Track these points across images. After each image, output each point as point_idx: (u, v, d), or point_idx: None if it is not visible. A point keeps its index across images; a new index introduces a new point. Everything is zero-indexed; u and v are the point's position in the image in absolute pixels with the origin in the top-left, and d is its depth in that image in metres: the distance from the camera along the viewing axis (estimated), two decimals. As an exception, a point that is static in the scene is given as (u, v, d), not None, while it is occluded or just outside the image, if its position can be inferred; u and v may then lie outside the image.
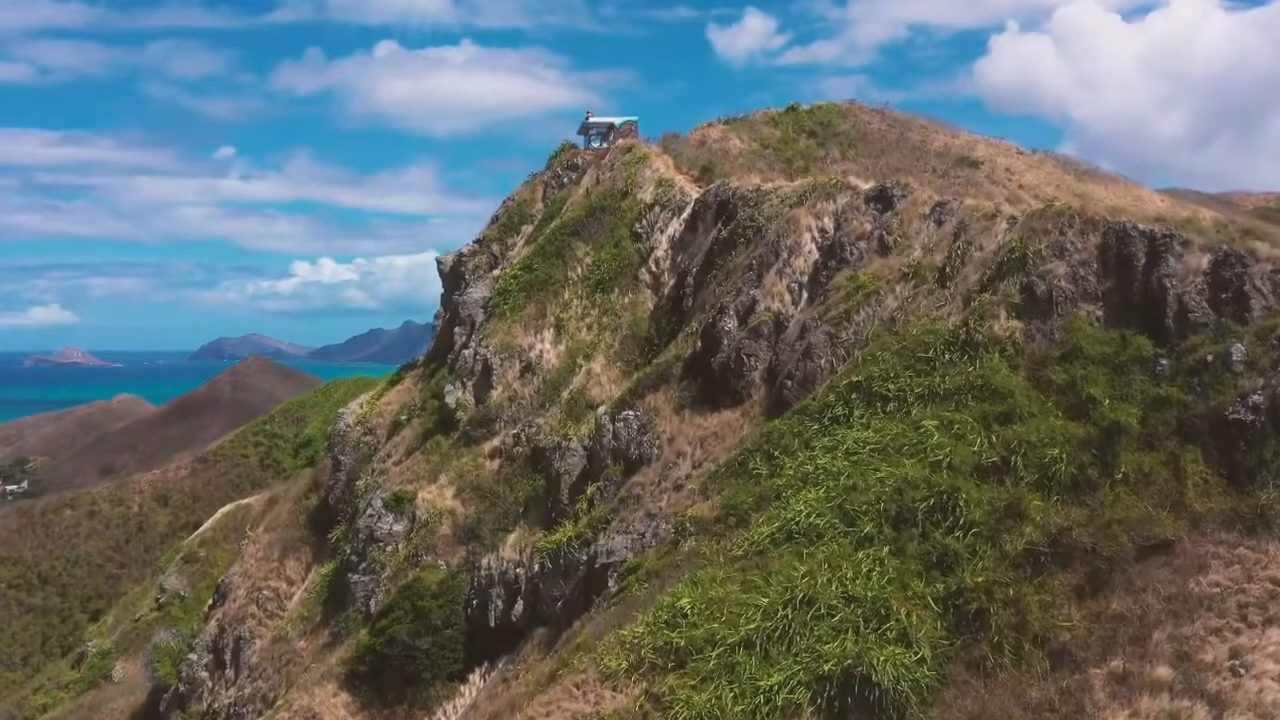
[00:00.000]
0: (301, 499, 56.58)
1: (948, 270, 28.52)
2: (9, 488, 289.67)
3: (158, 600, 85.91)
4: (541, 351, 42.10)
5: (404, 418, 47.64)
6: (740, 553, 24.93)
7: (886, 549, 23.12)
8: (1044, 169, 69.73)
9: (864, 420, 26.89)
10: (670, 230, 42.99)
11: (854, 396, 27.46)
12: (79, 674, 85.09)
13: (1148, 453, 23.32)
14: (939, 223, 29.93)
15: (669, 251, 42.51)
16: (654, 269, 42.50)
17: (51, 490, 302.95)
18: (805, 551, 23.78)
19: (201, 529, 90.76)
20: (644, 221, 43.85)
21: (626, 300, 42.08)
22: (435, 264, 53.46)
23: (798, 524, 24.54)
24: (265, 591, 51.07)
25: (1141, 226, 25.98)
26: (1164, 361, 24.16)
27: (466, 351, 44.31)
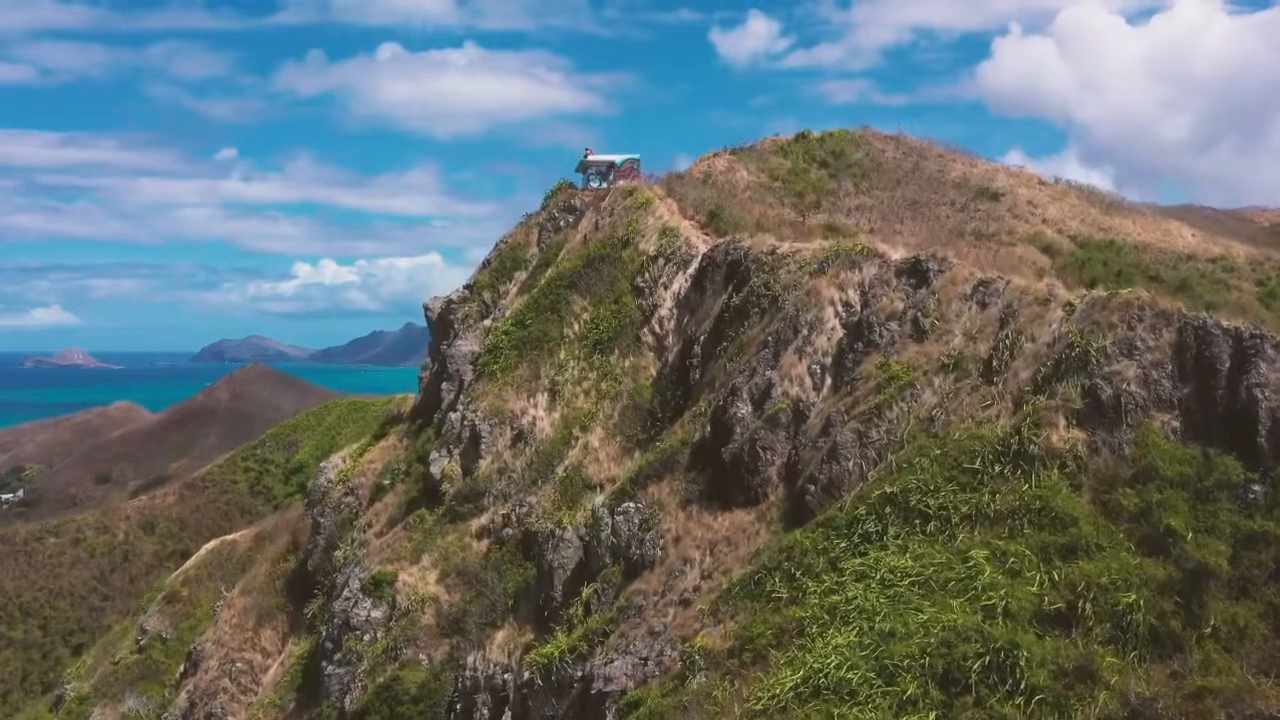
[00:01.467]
0: (279, 560, 53.08)
1: (994, 363, 24.97)
2: (4, 497, 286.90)
3: (138, 642, 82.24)
4: (534, 419, 38.56)
5: (386, 481, 44.13)
6: (759, 706, 21.41)
7: (934, 716, 19.61)
8: (1067, 201, 66.22)
9: (900, 541, 23.35)
10: (675, 286, 39.43)
11: (888, 511, 23.92)
12: (56, 718, 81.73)
13: (1241, 602, 19.81)
14: (982, 305, 26.38)
15: (674, 310, 38.95)
16: (658, 329, 38.92)
17: (47, 499, 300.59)
18: (836, 713, 20.27)
19: (185, 566, 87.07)
20: (646, 275, 40.28)
21: (627, 364, 38.51)
22: (423, 311, 49.94)
23: (826, 676, 20.99)
24: (239, 664, 47.59)
25: (1225, 324, 22.41)
26: (1256, 489, 20.63)
27: (454, 415, 40.80)
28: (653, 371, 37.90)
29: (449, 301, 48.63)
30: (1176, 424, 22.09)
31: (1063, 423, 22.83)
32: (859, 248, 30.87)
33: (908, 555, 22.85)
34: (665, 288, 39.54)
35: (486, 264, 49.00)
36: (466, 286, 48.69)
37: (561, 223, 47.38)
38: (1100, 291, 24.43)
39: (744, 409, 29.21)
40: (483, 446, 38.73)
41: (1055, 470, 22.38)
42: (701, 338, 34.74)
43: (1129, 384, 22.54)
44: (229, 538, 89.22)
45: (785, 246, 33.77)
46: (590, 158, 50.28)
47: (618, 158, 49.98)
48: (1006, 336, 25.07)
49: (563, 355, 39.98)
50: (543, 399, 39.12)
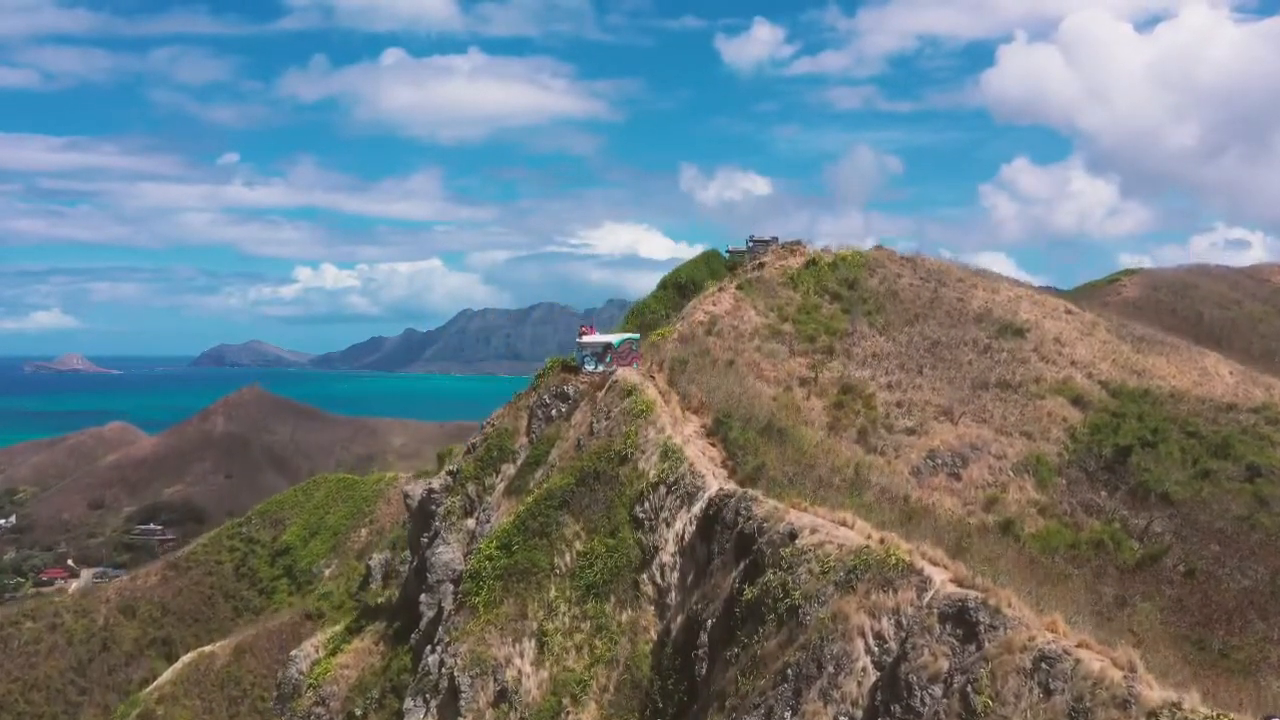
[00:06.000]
0: (246, 761, 48.86)
1: (1064, 782, 20.81)
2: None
3: (110, 767, 78.50)
4: (520, 672, 34.44)
5: (358, 711, 40.03)
6: None
7: None
8: (1096, 336, 61.97)
9: None
10: (678, 526, 35.30)
11: None
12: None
13: None
14: (1046, 690, 22.21)
15: (676, 558, 34.82)
16: (659, 579, 34.79)
17: (39, 525, 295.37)
18: None
19: (160, 680, 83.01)
20: (647, 505, 36.15)
21: (625, 618, 34.38)
22: (404, 498, 45.81)
23: None
24: None
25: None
26: None
27: (431, 658, 36.67)
28: (653, 634, 33.76)
29: (430, 490, 44.53)
30: None
31: None
32: (893, 560, 26.65)
33: None
34: (668, 526, 35.40)
35: (471, 449, 44.87)
36: (449, 472, 44.59)
37: (554, 411, 43.26)
38: (1200, 710, 20.24)
39: (759, 761, 25.06)
40: (461, 703, 34.58)
41: None
42: (709, 622, 30.60)
43: None
44: (207, 649, 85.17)
45: (806, 532, 29.53)
46: (586, 338, 46.07)
47: (615, 338, 45.78)
48: (1078, 746, 20.90)
49: (553, 594, 35.84)
50: (529, 648, 34.97)
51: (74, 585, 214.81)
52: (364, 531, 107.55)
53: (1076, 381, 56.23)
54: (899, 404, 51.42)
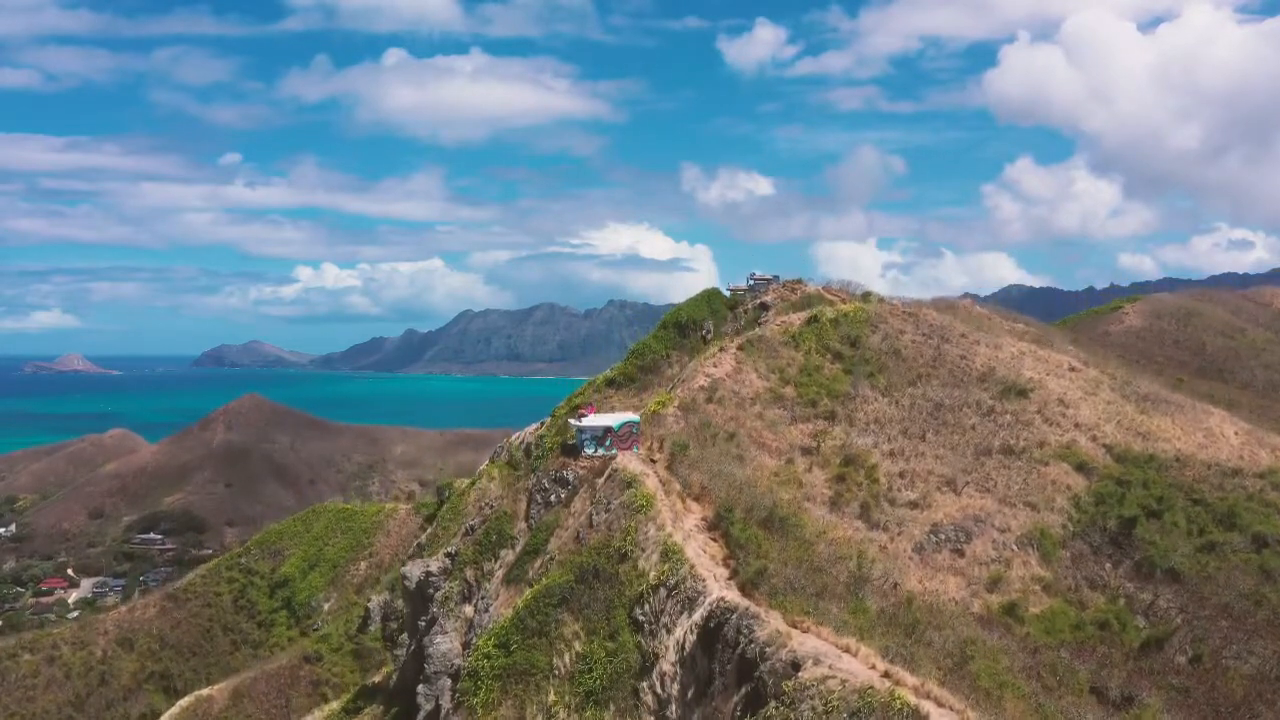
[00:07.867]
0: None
1: None
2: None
3: (108, 814, 78.07)
4: (519, 783, 33.95)
5: (355, 806, 39.50)
6: None
7: None
8: (1100, 396, 61.35)
9: None
10: (679, 633, 34.75)
11: None
12: None
13: None
14: None
15: (677, 669, 34.27)
16: (659, 690, 34.27)
17: (39, 534, 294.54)
18: None
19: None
20: (647, 607, 35.64)
21: (624, 730, 33.86)
22: (401, 580, 45.31)
23: None
24: None
25: None
26: None
27: (428, 762, 36.22)
28: (653, 748, 33.23)
29: (428, 573, 44.00)
30: None
31: None
32: (898, 705, 26.14)
33: None
34: (668, 632, 34.87)
35: (470, 531, 44.35)
36: (448, 554, 44.07)
37: (553, 496, 42.75)
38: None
39: None
40: (460, 811, 34.11)
41: None
42: (710, 748, 30.11)
43: None
44: (204, 693, 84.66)
45: (809, 663, 28.96)
46: (585, 420, 45.40)
47: (615, 420, 45.13)
48: None
49: (551, 697, 35.36)
50: (528, 755, 34.48)
51: (74, 595, 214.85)
52: (363, 565, 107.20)
53: (1080, 446, 55.70)
54: (901, 474, 50.93)
